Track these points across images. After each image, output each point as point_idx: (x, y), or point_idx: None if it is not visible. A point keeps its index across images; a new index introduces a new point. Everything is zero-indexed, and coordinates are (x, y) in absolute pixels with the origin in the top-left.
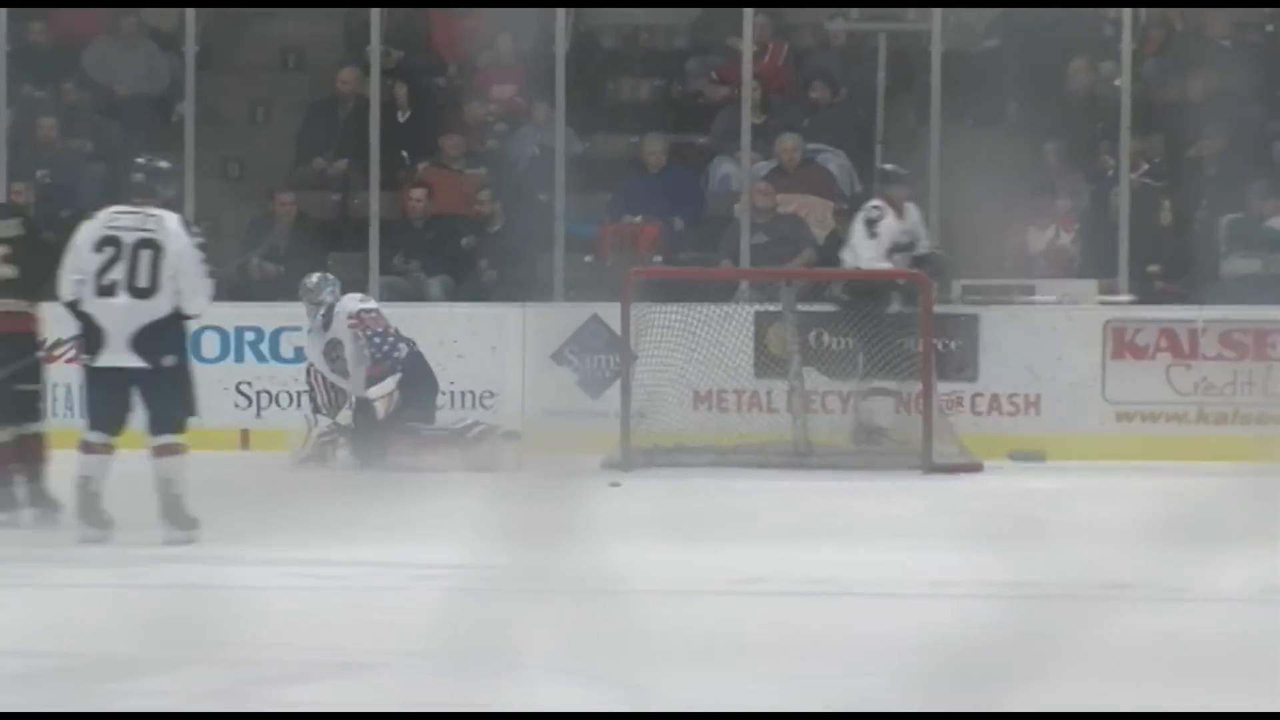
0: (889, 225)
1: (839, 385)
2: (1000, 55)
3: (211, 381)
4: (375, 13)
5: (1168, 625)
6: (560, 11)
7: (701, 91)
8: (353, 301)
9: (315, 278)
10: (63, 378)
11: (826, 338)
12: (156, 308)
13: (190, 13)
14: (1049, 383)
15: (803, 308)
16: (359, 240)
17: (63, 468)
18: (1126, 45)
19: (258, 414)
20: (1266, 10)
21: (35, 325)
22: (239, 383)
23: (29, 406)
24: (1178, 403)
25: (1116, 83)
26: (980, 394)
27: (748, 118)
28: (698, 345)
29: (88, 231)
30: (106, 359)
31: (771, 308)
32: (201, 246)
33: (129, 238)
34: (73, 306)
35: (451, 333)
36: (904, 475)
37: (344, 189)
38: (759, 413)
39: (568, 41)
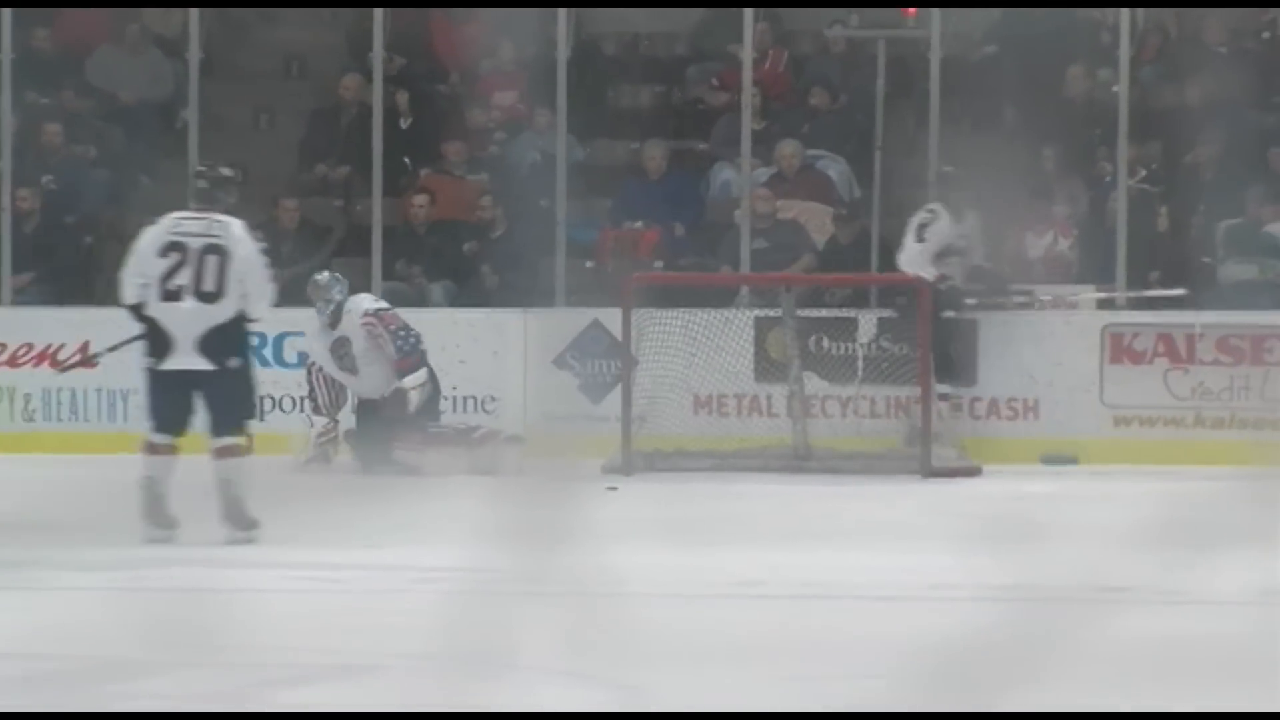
0: (940, 229)
1: (838, 390)
2: (998, 62)
3: None
4: (378, 20)
5: (1165, 627)
6: (562, 19)
7: (702, 98)
8: (366, 301)
9: (325, 275)
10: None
11: (826, 342)
12: (221, 311)
13: (194, 20)
14: (1047, 387)
15: (802, 313)
16: (362, 246)
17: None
18: (1124, 52)
19: (261, 418)
20: (1263, 17)
21: None
22: None
23: None
24: (1175, 407)
25: (1114, 89)
26: (979, 398)
27: (748, 124)
28: (698, 350)
29: (152, 236)
30: (173, 362)
31: (771, 313)
32: (264, 251)
33: (195, 243)
34: (136, 310)
35: (453, 338)
36: (903, 479)
37: (347, 195)
38: (759, 417)
39: (569, 48)
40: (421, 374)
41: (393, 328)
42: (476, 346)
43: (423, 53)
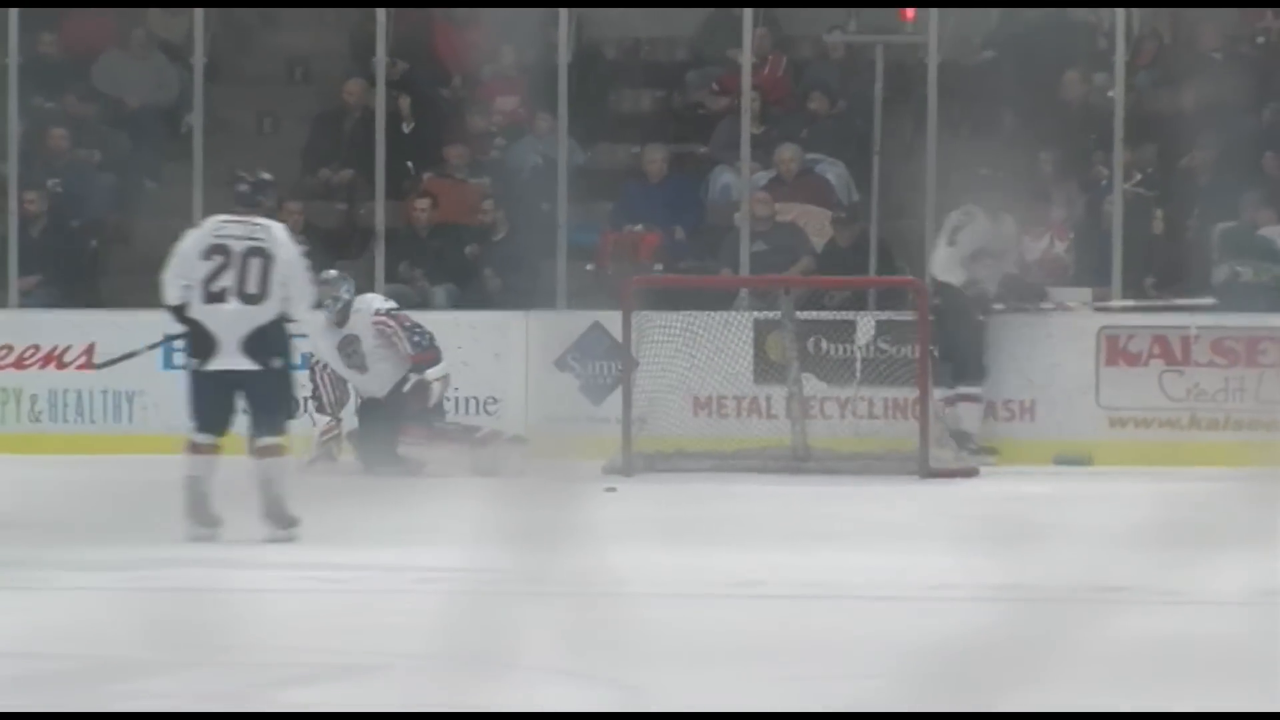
0: (974, 231)
1: (837, 391)
2: (996, 67)
3: None
4: (381, 25)
5: (1163, 627)
6: (563, 24)
7: (702, 102)
8: (377, 300)
9: (333, 273)
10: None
11: (825, 344)
12: (264, 313)
13: (199, 25)
14: (1044, 389)
15: (801, 315)
16: (364, 249)
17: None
18: (1120, 57)
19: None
20: (1257, 22)
21: None
22: None
23: None
24: (1170, 409)
25: (1110, 94)
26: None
27: (747, 128)
28: (698, 352)
29: (194, 239)
30: (218, 363)
31: (771, 315)
32: (305, 254)
33: (238, 246)
34: (178, 311)
35: (455, 340)
36: (901, 480)
37: (350, 199)
38: (758, 418)
39: (570, 53)
40: (443, 366)
41: (406, 325)
42: (478, 348)
43: (425, 57)
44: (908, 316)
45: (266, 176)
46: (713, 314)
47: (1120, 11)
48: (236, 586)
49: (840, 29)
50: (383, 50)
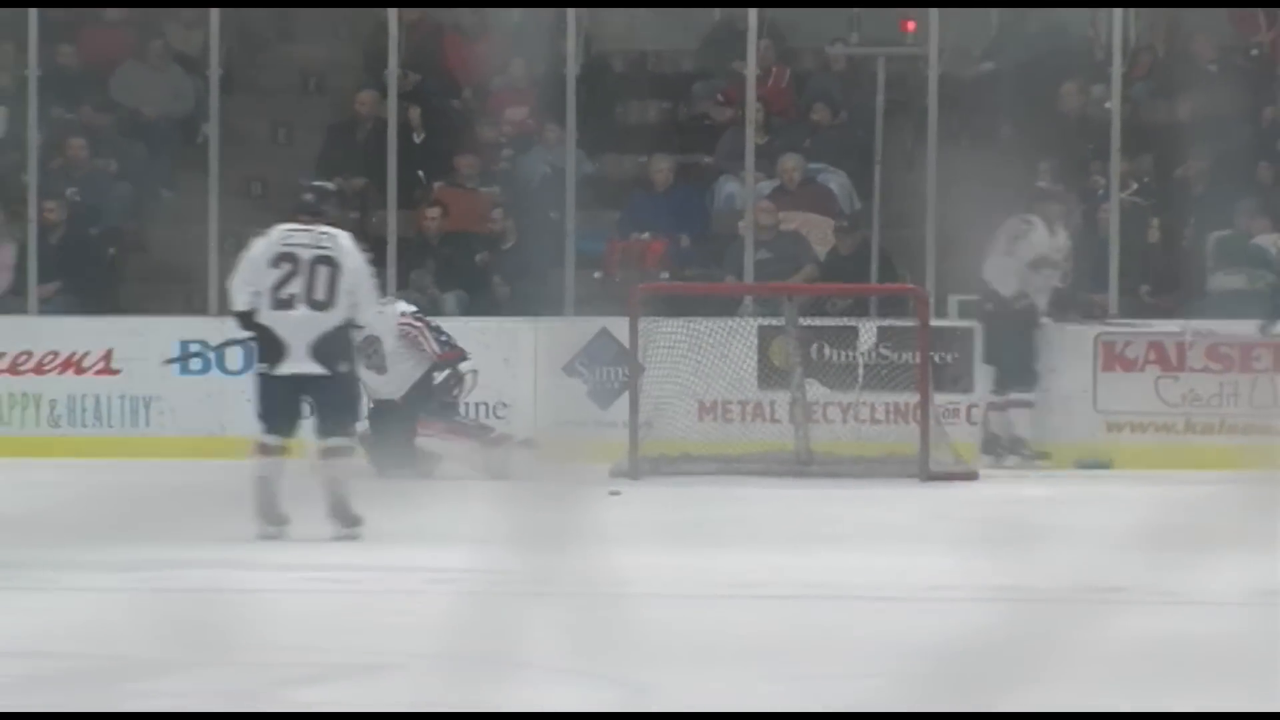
0: (1033, 241)
1: (839, 396)
2: (995, 78)
3: (235, 392)
4: (393, 37)
5: (1161, 628)
6: (571, 36)
7: (707, 113)
8: (400, 304)
9: None
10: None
11: (827, 350)
12: (331, 319)
13: (215, 37)
14: (1042, 394)
15: (804, 322)
16: (377, 257)
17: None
18: (1116, 69)
19: None
20: (1251, 35)
21: None
22: None
23: None
24: (1166, 413)
25: (1107, 105)
26: (975, 405)
27: (751, 139)
28: (703, 358)
29: (262, 248)
30: (287, 367)
31: (774, 322)
32: (369, 261)
33: (305, 254)
34: (246, 317)
35: (466, 346)
36: (902, 483)
37: (362, 207)
38: (762, 423)
39: (578, 65)
40: (471, 362)
41: (430, 326)
42: (488, 354)
43: (436, 69)
44: (909, 323)
45: (330, 186)
46: (717, 321)
47: (1117, 25)
48: (249, 587)
49: (842, 41)
50: (394, 62)
